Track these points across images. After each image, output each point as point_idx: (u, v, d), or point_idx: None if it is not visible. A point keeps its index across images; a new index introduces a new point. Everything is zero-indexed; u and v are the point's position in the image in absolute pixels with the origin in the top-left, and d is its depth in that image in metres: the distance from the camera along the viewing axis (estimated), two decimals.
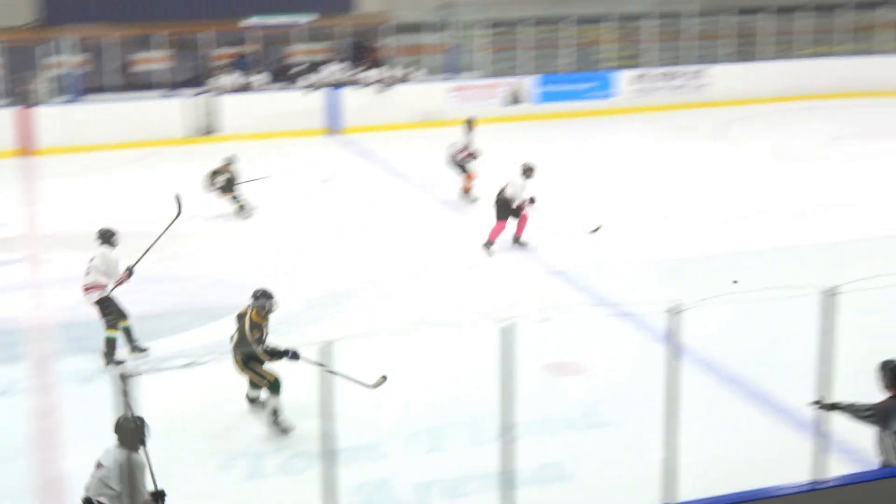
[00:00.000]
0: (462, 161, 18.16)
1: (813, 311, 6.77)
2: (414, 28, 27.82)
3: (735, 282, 12.44)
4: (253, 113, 24.34)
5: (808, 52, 29.36)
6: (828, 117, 25.65)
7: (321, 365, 6.32)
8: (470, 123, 18.26)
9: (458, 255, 15.03)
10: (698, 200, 17.94)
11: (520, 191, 15.08)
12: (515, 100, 26.36)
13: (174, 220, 12.18)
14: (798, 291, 7.37)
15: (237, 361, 9.60)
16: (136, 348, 11.41)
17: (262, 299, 9.53)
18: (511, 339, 6.09)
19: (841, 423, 7.25)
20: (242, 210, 17.42)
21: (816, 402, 7.12)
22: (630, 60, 28.81)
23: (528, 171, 15.22)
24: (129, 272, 11.29)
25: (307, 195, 18.88)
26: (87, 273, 11.18)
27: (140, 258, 11.51)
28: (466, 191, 18.22)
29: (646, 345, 10.99)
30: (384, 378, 9.26)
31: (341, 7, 28.76)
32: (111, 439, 6.95)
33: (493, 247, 15.16)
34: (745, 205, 17.54)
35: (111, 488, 6.84)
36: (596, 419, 9.74)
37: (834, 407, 7.16)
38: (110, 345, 11.12)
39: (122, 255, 11.37)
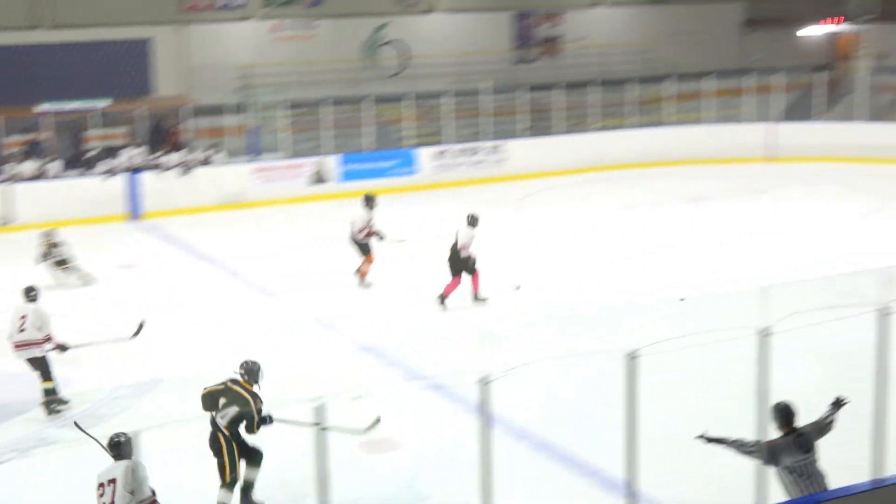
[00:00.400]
0: (363, 240, 17.36)
1: (619, 373, 6.99)
2: (214, 110, 27.66)
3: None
4: (49, 200, 23.61)
5: (599, 126, 30.56)
6: (622, 186, 26.68)
7: (316, 424, 6.40)
8: (369, 200, 17.56)
9: (270, 337, 14.85)
10: (500, 271, 18.30)
11: (468, 240, 15.84)
12: (320, 179, 26.43)
13: (129, 336, 12.34)
14: (603, 354, 7.61)
15: (223, 438, 9.17)
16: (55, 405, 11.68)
17: (254, 365, 9.43)
18: (323, 419, 6.06)
19: (652, 479, 7.46)
20: (83, 278, 17.64)
21: (701, 436, 7.38)
22: (431, 137, 29.34)
23: (473, 221, 16.04)
24: (63, 348, 11.87)
25: (108, 281, 18.36)
26: (22, 330, 11.56)
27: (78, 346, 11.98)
28: (363, 274, 17.38)
29: (459, 416, 11.07)
30: (378, 420, 9.15)
31: (138, 91, 28.33)
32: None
33: (447, 301, 15.66)
34: (547, 272, 18.01)
35: (129, 493, 7.85)
36: (412, 493, 9.73)
37: (720, 441, 7.45)
38: (50, 393, 11.52)
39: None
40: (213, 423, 9.26)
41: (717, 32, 36.29)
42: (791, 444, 7.67)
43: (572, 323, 14.58)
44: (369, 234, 17.39)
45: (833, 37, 39.57)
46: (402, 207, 24.64)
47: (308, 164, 26.59)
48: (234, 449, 9.20)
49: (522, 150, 28.46)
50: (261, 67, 29.83)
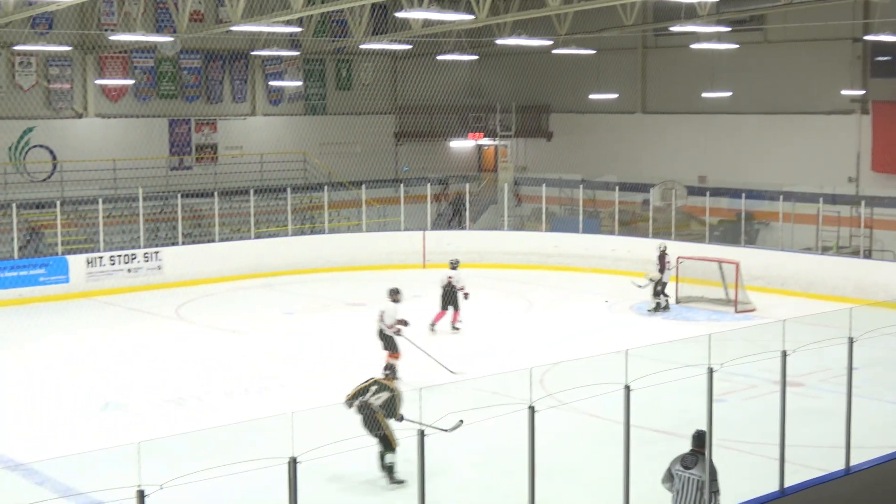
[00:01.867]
0: (392, 334, 17.53)
1: (284, 481, 6.97)
2: None
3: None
4: None
5: (258, 232, 30.67)
6: (282, 292, 26.78)
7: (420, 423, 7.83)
8: (394, 293, 17.79)
9: None
10: (153, 382, 17.86)
11: (462, 281, 21.71)
12: None
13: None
14: (267, 463, 7.58)
15: (380, 415, 12.23)
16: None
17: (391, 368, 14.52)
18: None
19: None
20: None
21: None
22: (84, 245, 28.37)
23: (455, 264, 22.19)
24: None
25: None
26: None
27: None
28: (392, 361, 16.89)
29: None
30: (461, 422, 10.27)
31: None
32: None
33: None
34: (206, 382, 17.73)
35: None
36: None
37: None
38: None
39: None
40: (365, 407, 12.34)
41: (372, 143, 37.58)
42: None
43: (231, 434, 14.41)
44: (399, 326, 17.50)
45: (479, 150, 42.05)
46: (52, 318, 23.61)
47: None
48: (388, 423, 12.16)
49: (180, 257, 28.01)
50: None
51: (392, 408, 12.20)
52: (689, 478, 9.51)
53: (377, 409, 12.25)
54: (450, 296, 21.85)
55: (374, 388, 12.56)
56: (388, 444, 12.24)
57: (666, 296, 24.03)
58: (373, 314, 17.92)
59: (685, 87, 34.90)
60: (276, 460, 7.51)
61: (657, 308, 23.83)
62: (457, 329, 21.85)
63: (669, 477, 9.66)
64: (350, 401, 12.57)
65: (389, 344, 17.47)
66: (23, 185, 30.84)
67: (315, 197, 33.36)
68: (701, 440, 9.60)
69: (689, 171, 34.33)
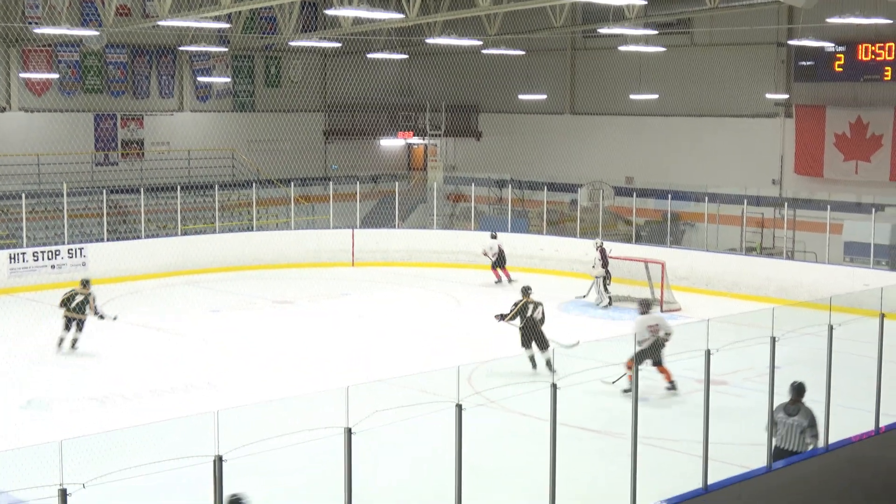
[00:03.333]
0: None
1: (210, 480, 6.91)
2: None
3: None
4: None
5: (185, 229, 30.33)
6: (207, 290, 26.54)
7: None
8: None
9: None
10: (77, 380, 17.61)
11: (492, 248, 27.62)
12: None
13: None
14: (193, 461, 7.52)
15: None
16: None
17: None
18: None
19: None
20: None
21: None
22: (7, 240, 27.88)
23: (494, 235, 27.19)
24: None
25: None
26: None
27: None
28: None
29: None
30: (577, 342, 15.65)
31: None
32: None
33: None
34: (131, 380, 17.52)
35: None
36: None
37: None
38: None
39: None
40: (531, 322, 17.54)
41: (301, 140, 37.39)
42: None
43: (155, 433, 14.27)
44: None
45: (409, 149, 42.03)
46: None
47: None
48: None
49: (105, 254, 27.60)
50: None
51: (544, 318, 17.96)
52: (791, 423, 11.02)
53: (539, 321, 17.65)
54: (501, 259, 27.64)
55: (530, 306, 17.75)
56: (547, 345, 17.35)
57: (607, 291, 24.64)
58: (301, 311, 17.81)
59: (613, 88, 35.21)
60: (201, 458, 7.46)
61: (610, 302, 24.60)
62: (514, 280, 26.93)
63: (774, 423, 10.85)
64: (512, 319, 17.88)
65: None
66: None
67: (243, 194, 33.10)
68: (800, 391, 11.12)
69: (616, 171, 34.67)
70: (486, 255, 27.92)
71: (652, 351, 16.13)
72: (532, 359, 17.70)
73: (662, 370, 16.41)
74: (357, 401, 8.11)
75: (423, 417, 8.94)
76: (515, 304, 18.15)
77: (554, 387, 9.01)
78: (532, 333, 17.69)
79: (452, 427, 8.53)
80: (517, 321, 17.92)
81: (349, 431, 7.95)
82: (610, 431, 14.36)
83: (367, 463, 7.76)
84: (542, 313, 17.98)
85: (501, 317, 18.19)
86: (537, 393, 9.26)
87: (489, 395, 10.06)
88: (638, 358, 15.19)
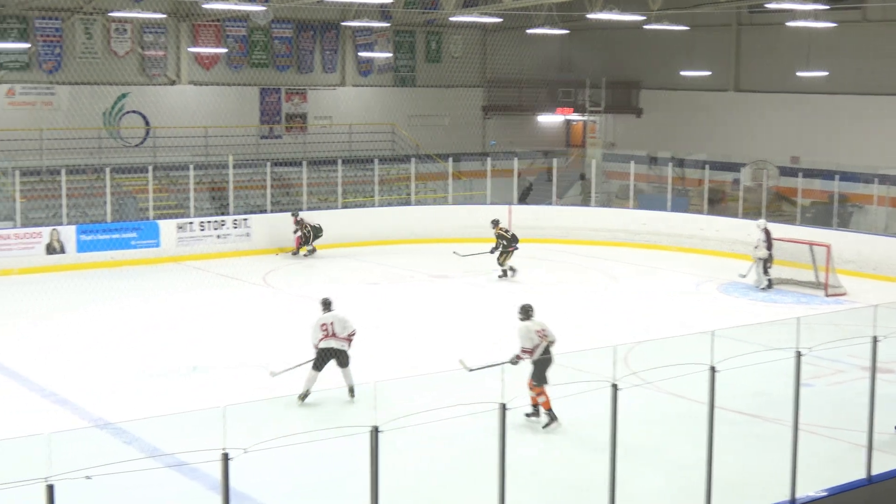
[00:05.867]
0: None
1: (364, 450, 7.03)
2: None
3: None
4: None
5: (345, 202, 30.82)
6: (364, 263, 26.90)
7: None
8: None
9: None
10: (240, 348, 18.09)
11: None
12: (55, 249, 25.35)
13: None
14: (347, 431, 7.64)
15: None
16: None
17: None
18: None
19: None
20: None
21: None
22: (174, 210, 28.83)
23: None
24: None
25: None
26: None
27: None
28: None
29: (199, 494, 10.80)
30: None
31: None
32: None
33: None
34: (290, 349, 17.90)
35: None
36: None
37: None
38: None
39: None
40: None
41: (460, 116, 37.54)
42: None
43: (316, 402, 14.57)
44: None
45: (567, 125, 41.72)
46: (145, 280, 24.06)
47: (42, 232, 25.45)
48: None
49: (268, 225, 28.31)
50: None
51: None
52: None
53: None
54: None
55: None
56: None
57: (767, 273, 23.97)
58: (455, 287, 17.82)
59: (780, 65, 34.22)
60: (357, 429, 7.56)
61: (770, 285, 23.88)
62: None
63: None
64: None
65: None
66: (116, 150, 31.44)
67: (402, 168, 33.43)
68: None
69: (781, 151, 33.69)
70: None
71: (546, 363, 13.60)
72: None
73: (543, 392, 13.59)
74: (511, 377, 8.11)
75: (579, 396, 8.91)
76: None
77: (713, 370, 8.86)
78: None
79: (604, 406, 8.47)
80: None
81: (503, 407, 7.96)
82: (765, 416, 14.03)
83: (513, 439, 7.75)
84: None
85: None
86: (694, 375, 9.11)
87: (644, 375, 9.95)
88: (538, 370, 13.37)
